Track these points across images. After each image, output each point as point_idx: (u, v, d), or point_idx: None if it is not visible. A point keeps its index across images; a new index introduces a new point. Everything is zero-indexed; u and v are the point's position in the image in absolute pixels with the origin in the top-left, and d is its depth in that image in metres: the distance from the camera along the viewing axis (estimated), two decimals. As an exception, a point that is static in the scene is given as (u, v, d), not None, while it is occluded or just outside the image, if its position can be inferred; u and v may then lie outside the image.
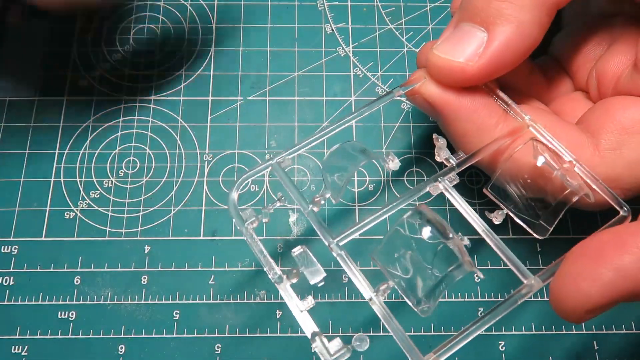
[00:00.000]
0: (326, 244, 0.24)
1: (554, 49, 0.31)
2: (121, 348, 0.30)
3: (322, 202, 0.26)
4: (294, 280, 0.24)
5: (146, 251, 0.32)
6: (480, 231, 0.24)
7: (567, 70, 0.30)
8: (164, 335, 0.30)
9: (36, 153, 0.34)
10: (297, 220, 0.32)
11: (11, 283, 0.31)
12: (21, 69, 0.36)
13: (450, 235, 0.23)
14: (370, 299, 0.23)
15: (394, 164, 0.26)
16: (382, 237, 0.25)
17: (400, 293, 0.23)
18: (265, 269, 0.24)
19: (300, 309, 0.23)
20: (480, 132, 0.27)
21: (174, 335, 0.30)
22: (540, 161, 0.25)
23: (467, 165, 0.26)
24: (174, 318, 0.31)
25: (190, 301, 0.31)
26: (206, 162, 0.34)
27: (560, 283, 0.21)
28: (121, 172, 0.34)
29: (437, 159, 0.26)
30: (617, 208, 0.25)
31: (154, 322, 0.30)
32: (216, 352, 0.30)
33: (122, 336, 0.30)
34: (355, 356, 0.29)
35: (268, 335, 0.30)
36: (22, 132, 0.34)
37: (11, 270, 0.31)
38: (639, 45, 0.25)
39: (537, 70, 0.30)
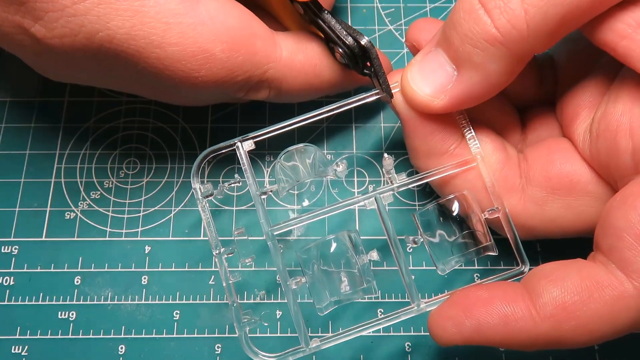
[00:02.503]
0: (263, 230, 0.27)
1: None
2: (121, 348, 0.30)
3: (270, 192, 0.28)
4: (230, 255, 0.28)
5: (146, 251, 0.32)
6: (393, 251, 0.27)
7: (557, 116, 0.30)
8: (164, 335, 0.30)
9: (37, 154, 0.34)
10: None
11: (11, 283, 0.31)
12: (22, 70, 0.36)
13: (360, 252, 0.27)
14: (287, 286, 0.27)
15: (341, 170, 0.28)
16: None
17: (309, 289, 0.26)
18: (211, 243, 0.27)
19: (228, 280, 0.27)
20: (429, 153, 0.28)
21: (174, 335, 0.30)
22: (455, 211, 0.27)
23: (406, 188, 0.28)
24: (174, 318, 0.31)
25: (190, 301, 0.31)
26: (206, 163, 0.34)
27: (436, 315, 0.24)
28: (122, 172, 0.34)
29: (384, 175, 0.28)
30: (520, 262, 0.28)
31: (154, 322, 0.30)
32: (216, 352, 0.30)
33: (122, 336, 0.30)
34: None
35: (268, 335, 0.30)
36: (23, 133, 0.34)
37: (11, 270, 0.31)
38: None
39: (509, 107, 0.30)
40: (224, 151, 0.28)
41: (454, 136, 0.27)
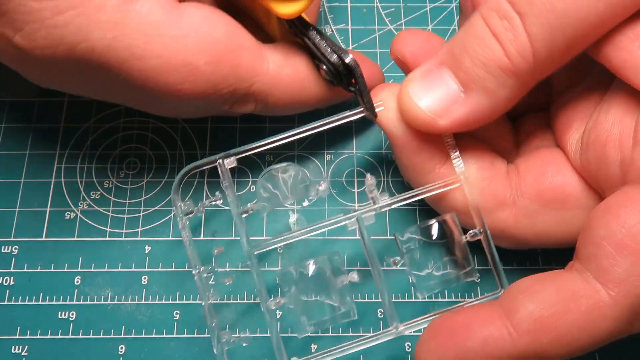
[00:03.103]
0: (243, 250, 0.27)
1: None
2: (121, 348, 0.30)
3: (252, 211, 0.28)
4: (209, 274, 0.28)
5: (146, 251, 0.32)
6: (374, 272, 0.26)
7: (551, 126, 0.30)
8: (164, 335, 0.30)
9: (37, 154, 0.34)
10: (297, 220, 0.32)
11: (11, 283, 0.31)
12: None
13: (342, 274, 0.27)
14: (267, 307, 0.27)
15: (323, 189, 0.28)
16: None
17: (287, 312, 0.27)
18: (190, 261, 0.27)
19: (206, 301, 0.27)
20: (416, 171, 0.28)
21: (174, 335, 0.30)
22: (434, 236, 0.27)
23: (390, 208, 0.28)
24: (174, 318, 0.31)
25: (191, 301, 0.31)
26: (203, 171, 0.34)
27: (420, 350, 0.24)
28: (122, 172, 0.34)
29: (368, 194, 0.28)
30: (499, 286, 0.27)
31: (154, 322, 0.30)
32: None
33: (122, 336, 0.30)
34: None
35: (268, 335, 0.30)
36: (23, 133, 0.34)
37: (11, 270, 0.31)
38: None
39: (501, 116, 0.30)
40: (205, 167, 0.28)
41: (441, 154, 0.27)
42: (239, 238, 0.29)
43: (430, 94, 0.25)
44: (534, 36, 0.23)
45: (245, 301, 0.31)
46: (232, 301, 0.31)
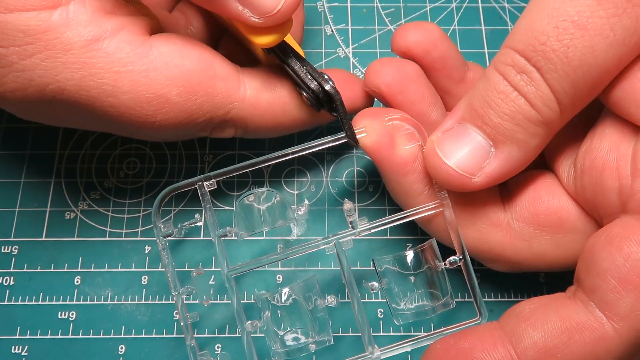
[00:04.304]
0: (221, 272, 0.27)
1: None
2: (121, 348, 0.30)
3: (230, 234, 0.28)
4: (187, 296, 0.28)
5: (146, 251, 0.32)
6: (352, 297, 0.27)
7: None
8: (164, 335, 0.30)
9: (37, 154, 0.34)
10: (297, 221, 0.32)
11: (11, 283, 0.31)
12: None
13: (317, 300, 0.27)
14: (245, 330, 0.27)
15: (302, 213, 0.28)
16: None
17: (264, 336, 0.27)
18: (169, 283, 0.27)
19: (185, 322, 0.27)
20: (406, 194, 0.27)
21: (174, 335, 0.30)
22: (410, 267, 0.27)
23: (368, 232, 0.27)
24: (174, 318, 0.31)
25: (191, 301, 0.31)
26: (206, 163, 0.34)
27: None
28: (122, 172, 0.34)
29: (346, 218, 0.27)
30: (477, 313, 0.27)
31: (154, 322, 0.31)
32: (216, 352, 0.30)
33: (122, 336, 0.30)
34: None
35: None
36: (23, 133, 0.34)
37: (11, 270, 0.31)
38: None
39: None
40: (185, 189, 0.28)
41: (428, 176, 0.27)
42: (243, 239, 0.29)
43: (460, 153, 0.25)
44: (555, 87, 0.23)
45: (223, 325, 0.31)
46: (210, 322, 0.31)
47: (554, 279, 0.32)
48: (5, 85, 0.24)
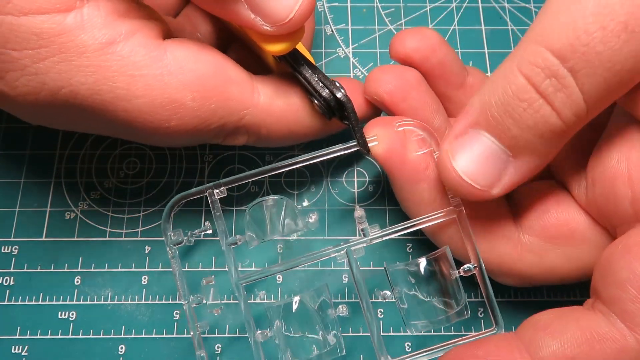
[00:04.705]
0: (231, 281, 0.27)
1: None
2: (121, 348, 0.30)
3: (240, 242, 0.27)
4: (198, 304, 0.28)
5: (146, 251, 0.32)
6: (363, 305, 0.26)
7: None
8: (164, 335, 0.30)
9: (37, 154, 0.34)
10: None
11: (11, 283, 0.31)
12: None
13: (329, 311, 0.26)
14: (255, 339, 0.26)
15: (312, 221, 0.28)
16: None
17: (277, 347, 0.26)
18: (179, 292, 0.27)
19: (195, 331, 0.27)
20: (418, 203, 0.27)
21: (174, 335, 0.30)
22: (424, 276, 0.27)
23: (381, 240, 0.27)
24: (174, 318, 0.31)
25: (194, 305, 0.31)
26: (207, 163, 0.34)
27: None
28: (122, 172, 0.34)
29: (357, 226, 0.27)
30: (494, 323, 0.27)
31: (154, 322, 0.31)
32: (216, 352, 0.30)
33: (122, 336, 0.30)
34: None
35: (268, 335, 0.30)
36: (22, 133, 0.34)
37: (11, 270, 0.31)
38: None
39: None
40: (195, 197, 0.28)
41: (441, 184, 0.26)
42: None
43: (475, 163, 0.24)
44: (589, 94, 0.22)
45: (233, 334, 0.30)
46: (220, 335, 0.30)
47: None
48: (18, 89, 0.24)
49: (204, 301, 0.27)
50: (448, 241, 0.27)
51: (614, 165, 0.24)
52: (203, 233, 0.29)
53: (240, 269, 0.31)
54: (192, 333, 0.27)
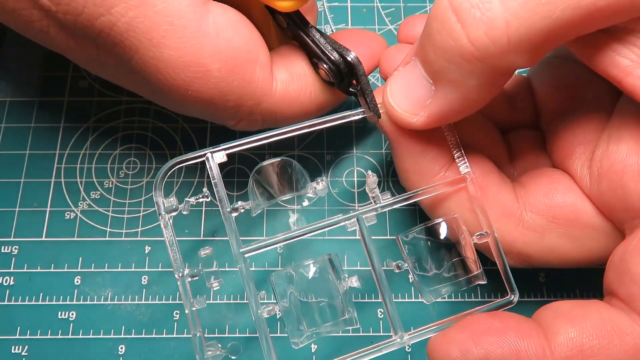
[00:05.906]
0: (232, 251, 0.25)
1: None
2: (121, 348, 0.30)
3: (242, 210, 0.25)
4: (194, 277, 0.25)
5: (146, 251, 0.32)
6: (375, 276, 0.25)
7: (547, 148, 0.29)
8: (164, 335, 0.30)
9: (37, 153, 0.34)
10: (297, 220, 0.32)
11: (11, 283, 0.31)
12: (22, 70, 0.36)
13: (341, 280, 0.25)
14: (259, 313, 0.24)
15: (320, 188, 0.26)
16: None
17: (283, 320, 0.24)
18: (173, 264, 0.25)
19: (191, 307, 0.24)
20: (421, 174, 0.27)
21: (174, 335, 0.30)
22: (442, 235, 0.26)
23: (392, 208, 0.26)
24: (174, 318, 0.31)
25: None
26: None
27: (439, 339, 0.23)
28: (122, 172, 0.34)
29: (368, 193, 0.26)
30: (508, 291, 0.26)
31: (154, 322, 0.31)
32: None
33: (122, 336, 0.30)
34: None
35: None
36: (22, 133, 0.34)
37: (11, 270, 0.31)
38: None
39: (497, 136, 0.29)
40: (192, 162, 0.25)
41: (446, 157, 0.26)
42: (243, 239, 0.27)
43: (405, 92, 0.24)
44: (511, 13, 0.20)
45: (233, 300, 0.30)
46: (219, 301, 0.30)
47: (554, 279, 0.31)
48: (60, 5, 0.23)
49: (202, 272, 0.25)
50: (450, 213, 0.27)
51: (623, 159, 0.23)
52: (201, 200, 0.27)
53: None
54: (187, 310, 0.24)
